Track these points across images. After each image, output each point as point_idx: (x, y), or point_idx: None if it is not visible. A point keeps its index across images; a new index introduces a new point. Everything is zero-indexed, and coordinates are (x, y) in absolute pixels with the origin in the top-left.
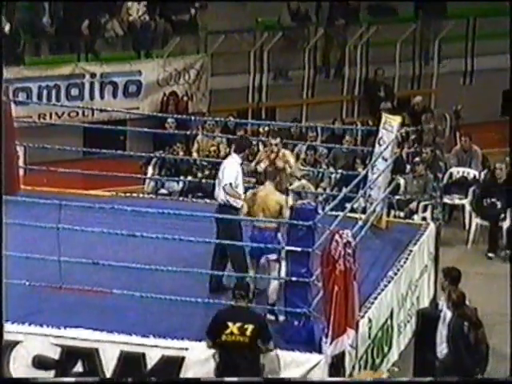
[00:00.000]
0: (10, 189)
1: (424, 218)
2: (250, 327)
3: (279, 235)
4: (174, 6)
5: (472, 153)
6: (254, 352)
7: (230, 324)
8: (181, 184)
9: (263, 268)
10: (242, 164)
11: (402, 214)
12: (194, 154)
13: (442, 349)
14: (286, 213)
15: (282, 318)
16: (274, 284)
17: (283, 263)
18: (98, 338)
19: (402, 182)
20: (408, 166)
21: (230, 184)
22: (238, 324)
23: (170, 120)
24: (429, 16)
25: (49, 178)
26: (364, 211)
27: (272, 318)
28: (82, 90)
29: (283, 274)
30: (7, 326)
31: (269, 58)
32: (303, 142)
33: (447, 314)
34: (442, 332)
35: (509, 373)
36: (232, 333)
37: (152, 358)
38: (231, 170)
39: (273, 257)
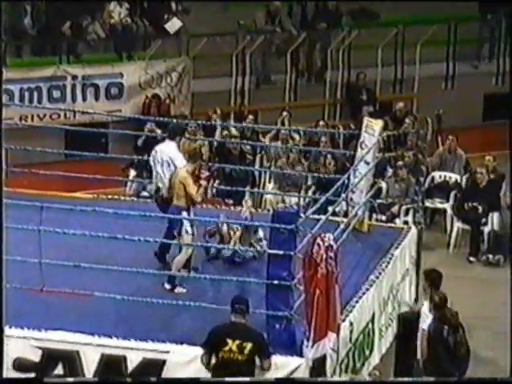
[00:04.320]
0: None
1: (406, 222)
2: (248, 345)
3: (184, 213)
4: (155, 8)
5: (456, 155)
6: (249, 369)
7: (229, 341)
8: None
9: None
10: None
11: (383, 218)
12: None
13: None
14: (191, 189)
15: (180, 289)
16: (178, 257)
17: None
18: (79, 340)
19: (383, 185)
20: (390, 170)
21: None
22: (238, 342)
23: (148, 125)
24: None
25: (30, 180)
26: (346, 215)
27: (168, 286)
28: (64, 92)
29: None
30: None
31: (251, 61)
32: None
33: (428, 316)
34: (422, 333)
35: (509, 373)
36: (231, 350)
37: (133, 361)
38: (178, 154)
39: (174, 232)
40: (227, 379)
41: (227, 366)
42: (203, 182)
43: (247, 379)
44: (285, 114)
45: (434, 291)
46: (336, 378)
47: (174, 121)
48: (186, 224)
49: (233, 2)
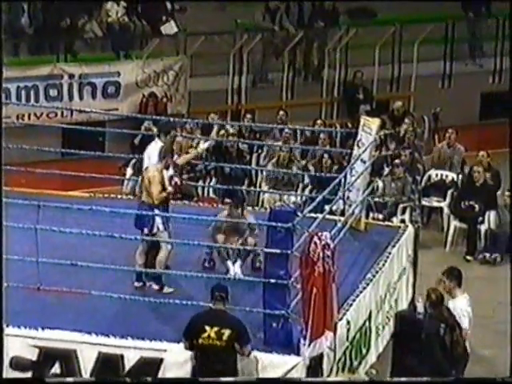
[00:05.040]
0: None
1: (402, 221)
2: (227, 332)
3: (156, 211)
4: (153, 7)
5: (456, 150)
6: (230, 356)
7: (207, 328)
8: None
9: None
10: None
11: (380, 217)
12: (174, 156)
13: None
14: (154, 189)
15: (167, 289)
16: (160, 256)
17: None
18: (76, 339)
19: (380, 184)
20: (387, 169)
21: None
22: (216, 328)
23: (146, 123)
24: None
25: (27, 178)
26: (343, 213)
27: (156, 287)
28: (61, 91)
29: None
30: None
31: (248, 60)
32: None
33: (465, 315)
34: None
35: (509, 373)
36: (209, 336)
37: (130, 360)
38: (154, 156)
39: (144, 231)
40: (225, 379)
41: (206, 352)
42: (170, 189)
43: (250, 379)
44: (281, 113)
45: (458, 290)
46: (333, 378)
47: (168, 119)
48: (158, 221)
49: (230, 1)
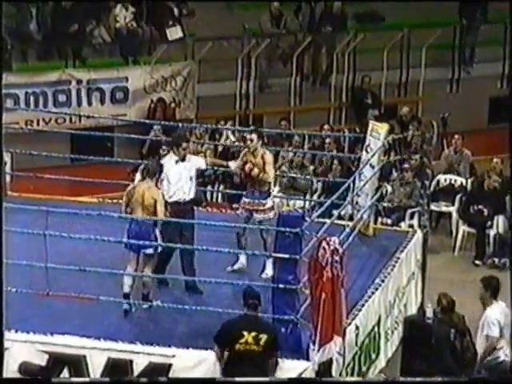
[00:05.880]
0: None
1: (411, 226)
2: (264, 337)
3: (156, 230)
4: (161, 13)
5: (462, 155)
6: (265, 361)
7: (245, 333)
8: None
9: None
10: (177, 161)
11: (389, 221)
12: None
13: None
14: (160, 210)
15: (155, 302)
16: (148, 278)
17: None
18: (85, 344)
19: (389, 189)
20: (395, 173)
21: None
22: (253, 333)
23: (155, 127)
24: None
25: (36, 184)
26: (351, 218)
27: (146, 305)
28: (70, 97)
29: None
30: None
31: (256, 65)
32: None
33: (495, 323)
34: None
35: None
36: (247, 342)
37: (139, 365)
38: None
39: (148, 251)
40: (230, 379)
41: (243, 357)
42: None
43: (253, 379)
44: (283, 122)
45: (493, 301)
46: (343, 378)
47: (180, 132)
48: (159, 240)
49: (236, 1)
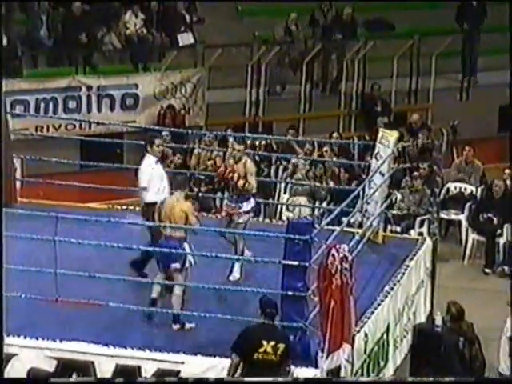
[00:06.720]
0: (7, 201)
1: (420, 233)
2: (281, 346)
3: (185, 244)
4: (171, 19)
5: (474, 166)
6: (281, 370)
7: (264, 342)
8: None
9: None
10: (157, 162)
11: (398, 229)
12: (192, 168)
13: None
14: (193, 219)
15: (188, 325)
16: (176, 293)
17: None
18: (94, 350)
19: (398, 196)
20: (405, 181)
21: (145, 188)
22: (272, 343)
23: (164, 133)
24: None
25: (45, 190)
26: (361, 226)
27: (177, 326)
28: (80, 103)
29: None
30: None
31: (266, 72)
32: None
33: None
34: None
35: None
36: (265, 351)
37: (147, 371)
38: (144, 173)
39: (176, 266)
40: (231, 379)
41: (262, 366)
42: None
43: (258, 380)
44: (291, 131)
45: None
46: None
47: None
48: (189, 256)
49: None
